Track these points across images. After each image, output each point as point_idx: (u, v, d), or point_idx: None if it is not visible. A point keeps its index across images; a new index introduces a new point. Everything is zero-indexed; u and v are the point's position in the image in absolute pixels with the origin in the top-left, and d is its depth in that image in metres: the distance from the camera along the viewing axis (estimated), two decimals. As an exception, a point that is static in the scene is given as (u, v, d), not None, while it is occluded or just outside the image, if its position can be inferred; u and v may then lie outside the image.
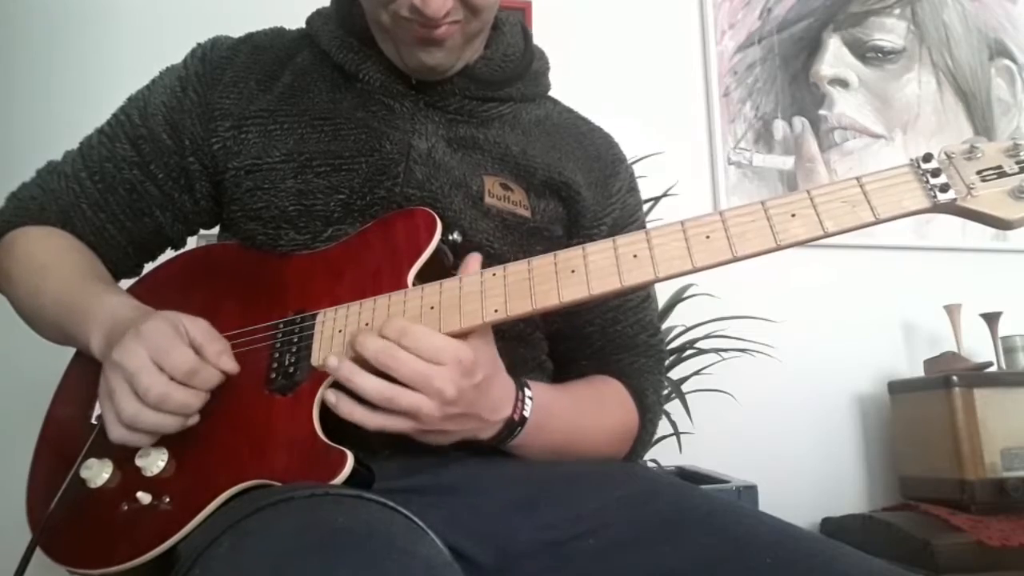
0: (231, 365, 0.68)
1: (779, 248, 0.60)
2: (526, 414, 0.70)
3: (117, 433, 0.64)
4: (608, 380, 0.85)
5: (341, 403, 0.64)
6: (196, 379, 0.64)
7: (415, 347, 0.62)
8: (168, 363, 0.63)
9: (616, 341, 0.87)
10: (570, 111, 0.96)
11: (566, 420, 0.75)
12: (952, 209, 0.59)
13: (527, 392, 0.71)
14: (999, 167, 0.58)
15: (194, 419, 0.66)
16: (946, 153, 0.60)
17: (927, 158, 0.59)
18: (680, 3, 2.23)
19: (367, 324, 0.67)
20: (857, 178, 0.60)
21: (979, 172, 0.58)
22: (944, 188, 0.58)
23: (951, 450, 1.74)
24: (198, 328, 0.67)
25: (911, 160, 0.60)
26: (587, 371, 0.86)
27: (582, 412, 0.79)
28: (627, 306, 0.88)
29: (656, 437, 1.67)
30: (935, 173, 0.59)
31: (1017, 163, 0.58)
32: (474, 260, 0.69)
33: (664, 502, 0.66)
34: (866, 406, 2.10)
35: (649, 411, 0.86)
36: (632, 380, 0.86)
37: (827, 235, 0.59)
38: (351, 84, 0.84)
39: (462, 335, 0.65)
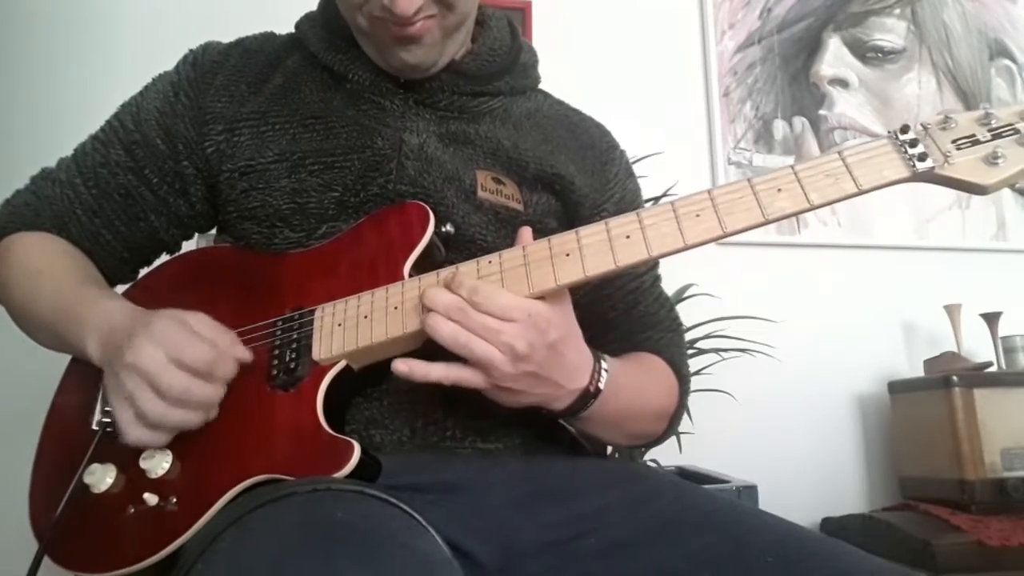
0: (244, 353, 0.69)
1: (767, 222, 0.62)
2: (601, 386, 0.70)
3: (136, 433, 0.64)
4: (649, 355, 0.86)
5: (415, 367, 0.63)
6: (217, 371, 0.65)
7: (484, 305, 0.62)
8: (188, 358, 0.63)
9: (642, 320, 0.88)
10: (561, 103, 0.96)
11: (628, 393, 0.75)
12: (931, 177, 0.61)
13: (603, 364, 0.71)
14: (973, 135, 0.61)
15: (214, 412, 0.66)
16: (922, 124, 0.62)
17: (904, 129, 0.62)
18: (680, 3, 2.24)
19: (366, 317, 0.68)
20: (839, 152, 0.62)
21: (954, 141, 0.61)
22: (922, 157, 0.60)
23: (951, 450, 1.74)
24: (202, 323, 0.68)
25: (889, 132, 0.62)
26: (616, 352, 0.85)
27: (639, 386, 0.79)
28: (643, 287, 0.89)
29: (656, 437, 1.68)
30: (913, 143, 0.61)
31: (989, 131, 0.60)
32: (526, 232, 0.69)
33: (665, 501, 0.66)
34: (866, 406, 2.10)
35: (685, 382, 0.88)
36: (665, 354, 0.86)
37: (812, 207, 0.61)
38: (341, 84, 0.84)
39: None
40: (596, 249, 0.64)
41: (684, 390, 0.87)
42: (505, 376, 0.63)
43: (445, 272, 0.67)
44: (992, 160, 0.59)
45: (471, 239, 0.78)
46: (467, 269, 0.67)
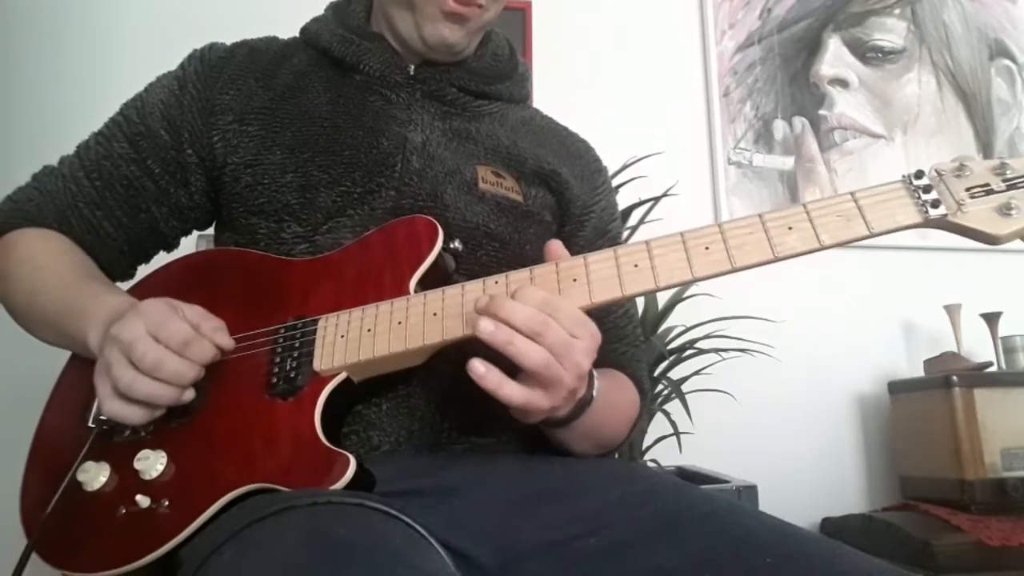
0: (225, 340, 0.70)
1: (776, 260, 0.62)
2: (594, 394, 0.71)
3: (110, 405, 0.66)
4: (614, 370, 0.87)
5: (491, 374, 0.62)
6: (191, 350, 0.66)
7: (557, 317, 0.62)
8: (164, 333, 0.65)
9: (611, 332, 0.89)
10: (551, 119, 1.01)
11: (605, 403, 0.76)
12: (943, 224, 0.61)
13: (594, 373, 0.72)
14: (987, 184, 0.60)
15: (189, 394, 0.67)
16: (936, 170, 0.62)
17: (919, 175, 0.62)
18: (680, 3, 2.24)
19: (369, 330, 0.68)
20: (851, 193, 0.62)
21: (968, 189, 0.60)
22: (935, 204, 0.60)
23: (951, 450, 1.74)
24: (193, 310, 0.70)
25: (903, 176, 0.62)
26: None
27: (614, 398, 0.81)
28: None
29: (656, 437, 1.68)
30: (926, 189, 0.61)
31: (1004, 181, 0.60)
32: (556, 245, 0.68)
33: (664, 502, 0.66)
34: (866, 406, 2.10)
35: (646, 397, 0.90)
36: (628, 369, 0.89)
37: (823, 248, 0.61)
38: (349, 77, 0.87)
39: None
40: (603, 276, 0.64)
41: (644, 404, 0.89)
42: (560, 396, 0.63)
43: (451, 290, 0.67)
44: (1006, 211, 0.58)
45: (475, 226, 0.81)
46: (473, 287, 0.67)
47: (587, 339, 0.63)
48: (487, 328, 0.61)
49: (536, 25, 2.07)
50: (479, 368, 0.62)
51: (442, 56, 0.87)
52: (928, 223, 0.61)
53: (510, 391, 0.62)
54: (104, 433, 0.70)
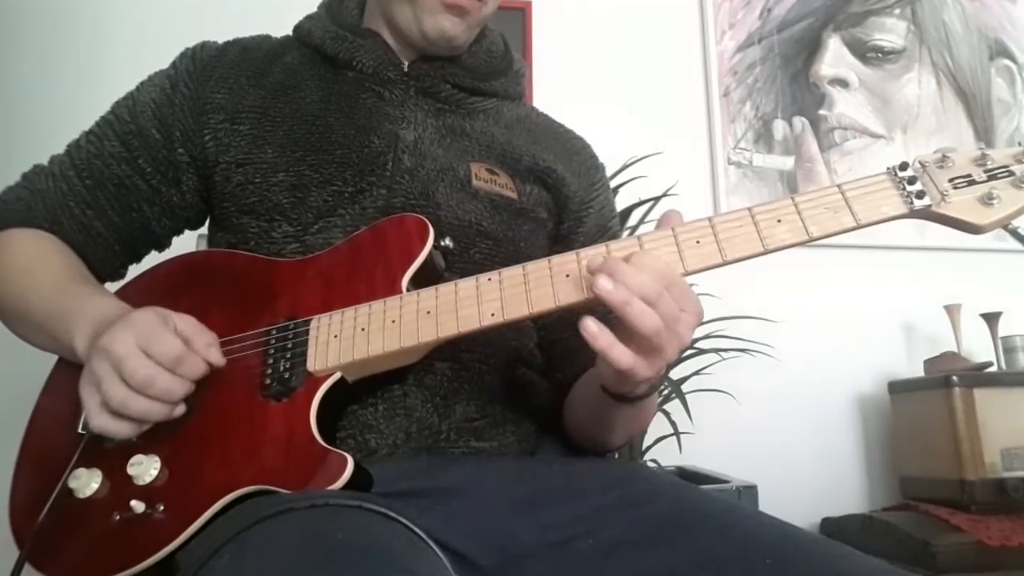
0: (217, 357, 0.69)
1: (766, 252, 0.62)
2: (662, 371, 0.70)
3: (100, 421, 0.65)
4: None
5: (603, 335, 0.60)
6: (182, 367, 0.65)
7: (672, 289, 0.60)
8: (155, 350, 0.64)
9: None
10: (547, 116, 1.00)
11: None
12: (927, 215, 0.62)
13: None
14: (969, 175, 0.61)
15: (180, 409, 0.67)
16: (920, 162, 0.63)
17: (903, 166, 0.62)
18: (680, 3, 2.24)
19: (363, 330, 0.67)
20: (838, 185, 0.63)
21: (951, 180, 0.61)
22: (920, 195, 0.61)
23: (951, 450, 1.74)
24: (186, 322, 0.68)
25: (888, 168, 0.63)
26: (583, 355, 0.85)
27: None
28: None
29: (656, 437, 1.68)
30: (911, 180, 0.61)
31: (985, 171, 0.61)
32: (673, 216, 0.66)
33: (664, 502, 0.66)
34: (866, 406, 2.10)
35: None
36: None
37: (812, 239, 0.62)
38: (342, 74, 0.87)
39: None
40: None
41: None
42: (660, 364, 0.62)
43: (445, 287, 0.67)
44: (987, 200, 0.60)
45: (468, 224, 0.80)
46: (466, 285, 0.67)
47: (693, 314, 0.62)
48: (605, 285, 0.59)
49: (536, 25, 2.07)
50: (592, 327, 0.59)
51: (440, 50, 0.86)
52: (913, 214, 0.61)
53: (619, 353, 0.60)
54: (95, 438, 0.69)
